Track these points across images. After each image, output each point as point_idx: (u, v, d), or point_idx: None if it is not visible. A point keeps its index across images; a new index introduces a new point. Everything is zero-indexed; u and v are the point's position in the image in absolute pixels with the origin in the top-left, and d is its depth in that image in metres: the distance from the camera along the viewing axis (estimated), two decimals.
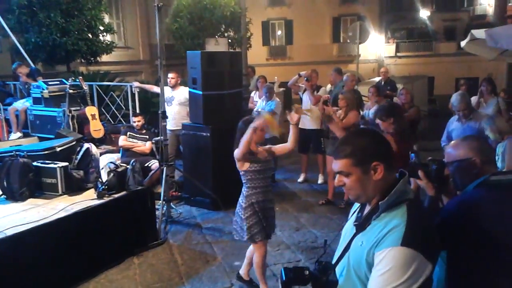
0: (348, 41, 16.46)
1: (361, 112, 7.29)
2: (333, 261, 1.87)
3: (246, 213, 4.10)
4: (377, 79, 13.58)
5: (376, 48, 30.47)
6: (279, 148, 4.37)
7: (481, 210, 1.95)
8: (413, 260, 1.59)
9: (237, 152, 4.02)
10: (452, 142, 2.23)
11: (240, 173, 4.17)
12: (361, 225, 1.78)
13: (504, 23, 22.33)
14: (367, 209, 1.84)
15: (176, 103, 7.53)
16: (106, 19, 13.78)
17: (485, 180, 2.03)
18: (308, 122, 7.77)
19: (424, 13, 31.74)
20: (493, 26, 16.85)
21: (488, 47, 6.71)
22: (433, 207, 2.16)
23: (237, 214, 4.20)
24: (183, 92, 7.42)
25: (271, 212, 4.28)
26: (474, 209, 1.97)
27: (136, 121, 7.39)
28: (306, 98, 7.78)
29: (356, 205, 1.99)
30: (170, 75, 7.54)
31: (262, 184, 4.16)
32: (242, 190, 4.21)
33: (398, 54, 31.71)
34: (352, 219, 1.94)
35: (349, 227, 1.94)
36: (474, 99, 7.50)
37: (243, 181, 4.19)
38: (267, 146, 4.34)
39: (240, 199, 4.20)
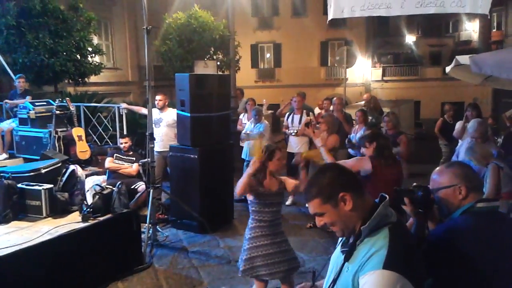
0: (336, 65, 16.73)
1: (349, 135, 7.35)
2: None
3: (247, 245, 3.90)
4: (363, 102, 13.74)
5: (363, 72, 30.91)
6: (291, 185, 4.04)
7: (468, 238, 1.96)
8: (395, 283, 1.60)
9: (237, 186, 3.84)
10: (437, 168, 2.24)
11: (248, 202, 4.00)
12: (349, 253, 1.79)
13: (488, 49, 22.84)
14: (353, 236, 1.84)
15: (164, 124, 7.51)
16: (95, 40, 13.81)
17: (471, 207, 2.04)
18: (296, 146, 7.80)
19: (410, 39, 32.38)
20: (478, 51, 17.20)
21: (473, 73, 6.82)
22: (419, 233, 2.16)
23: (243, 242, 3.99)
24: (171, 114, 7.41)
25: (278, 248, 3.91)
26: (461, 237, 1.97)
27: (123, 142, 7.36)
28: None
29: None
30: (157, 97, 7.53)
31: (268, 218, 3.90)
32: (249, 219, 4.01)
33: (385, 78, 32.17)
34: (339, 247, 1.94)
35: (336, 255, 1.94)
36: (459, 124, 7.60)
37: (250, 211, 3.99)
38: (284, 178, 4.07)
39: (246, 228, 4.01)
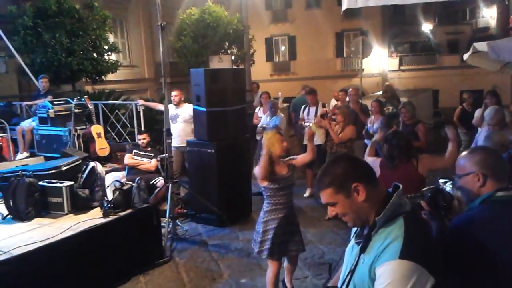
0: (352, 55, 16.61)
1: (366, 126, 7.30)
2: (340, 284, 1.86)
3: (263, 228, 4.15)
4: (379, 93, 13.62)
5: (380, 62, 30.54)
6: (300, 159, 4.37)
7: (485, 228, 1.91)
8: (412, 273, 1.59)
9: (257, 173, 4.12)
10: (462, 153, 2.17)
11: (261, 188, 4.24)
12: (364, 245, 1.77)
13: (506, 35, 22.30)
14: (367, 228, 1.83)
15: (181, 120, 7.56)
16: (111, 38, 13.92)
17: (490, 196, 1.98)
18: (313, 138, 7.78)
19: (426, 27, 31.92)
20: (496, 38, 16.87)
21: (491, 60, 6.71)
22: (441, 234, 2.10)
23: (257, 225, 4.26)
24: (187, 109, 7.46)
25: (291, 229, 4.22)
26: (478, 227, 1.93)
27: (142, 138, 7.42)
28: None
29: None
30: (173, 93, 7.58)
31: (282, 201, 4.16)
32: (263, 204, 4.26)
33: (402, 67, 31.78)
34: (353, 239, 1.94)
35: (351, 247, 1.94)
36: (478, 112, 7.51)
37: (264, 196, 4.25)
38: (288, 159, 4.31)
39: (261, 212, 4.26)
